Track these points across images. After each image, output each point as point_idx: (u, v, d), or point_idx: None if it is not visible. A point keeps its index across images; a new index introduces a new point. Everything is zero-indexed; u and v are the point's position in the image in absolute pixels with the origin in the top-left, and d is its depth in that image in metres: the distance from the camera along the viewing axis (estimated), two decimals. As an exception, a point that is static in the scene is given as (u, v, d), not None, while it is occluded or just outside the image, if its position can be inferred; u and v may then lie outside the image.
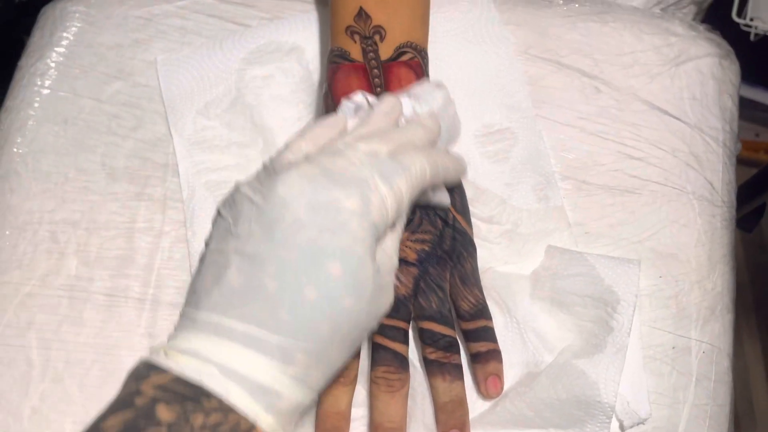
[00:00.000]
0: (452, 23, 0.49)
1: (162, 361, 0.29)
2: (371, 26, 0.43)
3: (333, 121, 0.36)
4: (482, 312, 0.40)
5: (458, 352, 0.40)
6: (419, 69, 0.44)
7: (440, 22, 0.49)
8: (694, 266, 0.44)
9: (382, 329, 0.39)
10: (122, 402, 0.28)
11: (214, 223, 0.33)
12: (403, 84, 0.43)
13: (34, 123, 0.48)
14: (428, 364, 0.40)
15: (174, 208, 0.46)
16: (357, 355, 0.40)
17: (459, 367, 0.39)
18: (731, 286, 0.45)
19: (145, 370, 0.29)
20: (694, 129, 0.47)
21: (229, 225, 0.31)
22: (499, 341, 0.41)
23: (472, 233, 0.42)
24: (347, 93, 0.43)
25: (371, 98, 0.39)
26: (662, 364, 0.41)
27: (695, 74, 0.49)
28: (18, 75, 0.51)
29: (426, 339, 0.40)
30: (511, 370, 0.41)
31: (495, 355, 0.40)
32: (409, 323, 0.40)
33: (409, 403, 0.40)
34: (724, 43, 0.51)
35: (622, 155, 0.46)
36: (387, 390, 0.39)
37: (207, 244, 0.32)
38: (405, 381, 0.39)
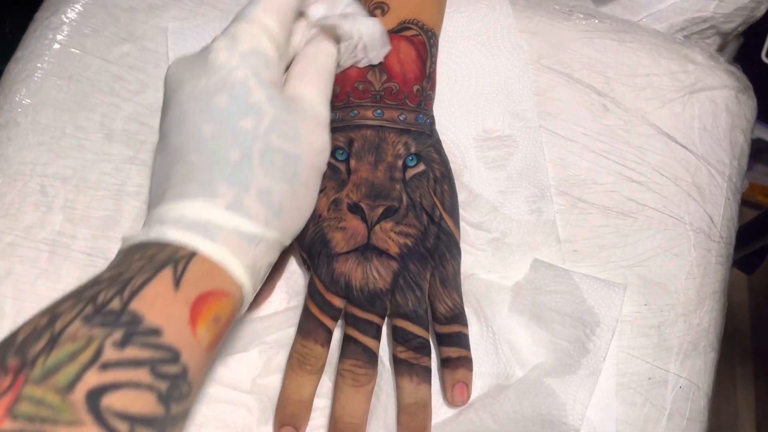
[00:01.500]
0: (468, 24, 0.48)
1: (141, 233, 0.32)
2: (373, 1, 0.43)
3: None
4: (458, 317, 0.40)
5: (429, 355, 0.39)
6: (422, 48, 0.43)
7: (456, 22, 0.48)
8: (681, 299, 0.43)
9: (355, 322, 0.39)
10: None
11: None
12: (402, 57, 0.42)
13: (41, 75, 0.48)
14: (397, 363, 0.39)
15: (165, 175, 0.45)
16: (326, 345, 0.39)
17: (428, 370, 0.39)
18: (718, 324, 0.44)
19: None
20: (700, 160, 0.46)
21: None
22: (472, 349, 0.40)
23: (459, 236, 0.42)
24: None
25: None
26: (636, 393, 0.40)
27: (709, 104, 0.48)
28: (32, 26, 0.51)
29: (398, 337, 0.39)
30: (480, 380, 0.40)
31: (465, 362, 0.39)
32: (383, 319, 0.40)
33: (372, 400, 0.39)
34: (743, 77, 0.49)
35: (622, 177, 0.45)
36: (352, 384, 0.38)
37: None
38: (372, 377, 0.39)
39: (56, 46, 0.49)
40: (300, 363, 0.38)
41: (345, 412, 0.38)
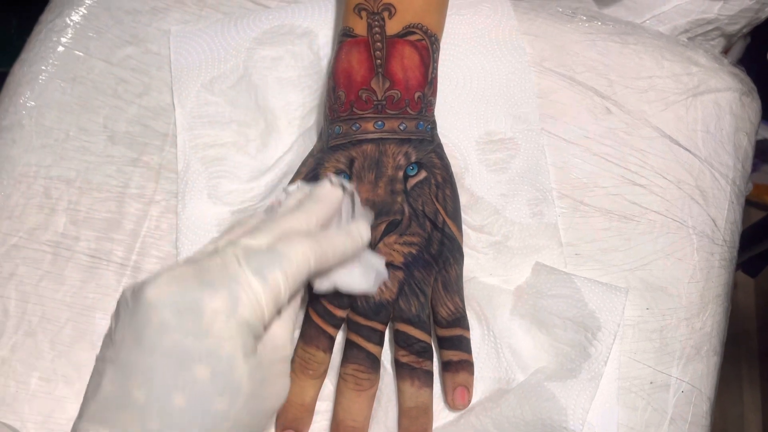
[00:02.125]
0: (470, 26, 0.48)
1: None
2: (381, 3, 0.43)
3: (254, 220, 0.36)
4: (460, 321, 0.40)
5: (431, 359, 0.39)
6: (426, 53, 0.43)
7: (458, 24, 0.48)
8: (684, 302, 0.43)
9: (358, 328, 0.39)
10: None
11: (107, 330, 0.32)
12: (406, 63, 0.42)
13: (45, 78, 0.49)
14: (399, 367, 0.39)
15: (167, 178, 0.45)
16: (329, 351, 0.39)
17: (429, 374, 0.39)
18: (722, 328, 0.44)
19: None
20: (703, 163, 0.46)
21: (111, 331, 0.30)
22: (473, 353, 0.40)
23: (462, 240, 0.42)
24: (346, 69, 0.42)
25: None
26: (637, 397, 0.40)
27: (712, 107, 0.47)
28: (37, 29, 0.51)
29: (400, 341, 0.39)
30: (482, 384, 0.40)
31: (466, 366, 0.39)
32: (386, 325, 0.40)
33: (373, 403, 0.39)
34: (747, 79, 0.49)
35: (625, 180, 0.45)
36: (354, 388, 0.38)
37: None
38: (374, 382, 0.39)
39: (60, 48, 0.50)
40: (302, 368, 0.38)
41: (347, 416, 0.38)
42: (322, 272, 0.35)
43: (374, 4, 0.43)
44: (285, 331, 0.33)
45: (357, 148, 0.41)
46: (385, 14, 0.42)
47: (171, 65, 0.48)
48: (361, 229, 0.37)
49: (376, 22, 0.42)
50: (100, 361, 0.30)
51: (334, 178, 0.37)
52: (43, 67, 0.49)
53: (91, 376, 0.30)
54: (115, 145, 0.47)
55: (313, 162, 0.42)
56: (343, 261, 0.36)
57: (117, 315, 0.30)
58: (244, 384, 0.30)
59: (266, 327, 0.31)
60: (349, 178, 0.41)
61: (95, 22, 0.50)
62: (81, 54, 0.49)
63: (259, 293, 0.30)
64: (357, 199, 0.38)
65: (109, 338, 0.30)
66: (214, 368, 0.29)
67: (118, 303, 0.31)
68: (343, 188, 0.37)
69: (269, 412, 0.32)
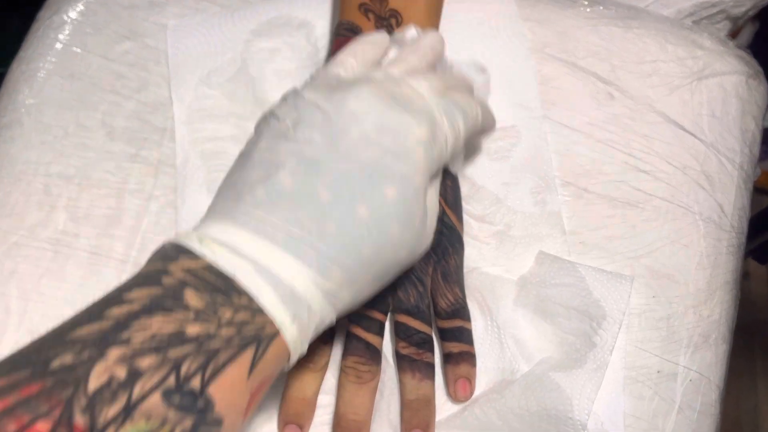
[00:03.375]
0: (470, 14, 0.47)
1: (195, 246, 0.27)
2: (387, 8, 0.42)
3: (378, 38, 0.36)
4: (460, 312, 0.39)
5: (432, 351, 0.39)
6: None
7: (457, 11, 0.47)
8: (691, 290, 0.42)
9: (358, 319, 0.38)
10: (148, 277, 0.26)
11: (264, 123, 0.31)
12: None
13: (43, 75, 0.48)
14: (399, 359, 0.39)
15: (166, 173, 0.45)
16: (329, 343, 0.39)
17: (431, 365, 0.38)
18: (730, 316, 0.43)
19: (174, 252, 0.27)
20: (709, 147, 0.45)
21: (287, 128, 0.30)
22: (476, 344, 0.40)
23: (462, 230, 0.41)
24: None
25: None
26: (644, 387, 0.40)
27: (718, 91, 0.46)
28: (34, 26, 0.51)
29: (400, 333, 0.39)
30: (485, 376, 0.40)
31: (468, 357, 0.39)
32: (386, 315, 0.39)
33: (375, 396, 0.39)
34: (754, 62, 0.48)
35: (629, 166, 0.44)
36: (355, 381, 0.38)
37: (252, 143, 0.31)
38: (375, 373, 0.38)
39: (58, 45, 0.49)
40: (303, 361, 0.38)
41: (348, 409, 0.38)
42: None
43: (380, 8, 0.42)
44: (437, 188, 0.35)
45: None
46: (393, 21, 0.42)
47: (168, 59, 0.48)
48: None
49: (386, 30, 0.42)
50: (268, 151, 0.29)
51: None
52: (41, 65, 0.49)
53: (251, 163, 0.29)
54: (114, 140, 0.46)
55: None
56: (485, 131, 0.40)
57: (295, 111, 0.30)
58: (417, 218, 0.30)
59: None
60: None
61: (93, 18, 0.50)
62: (79, 50, 0.49)
63: (449, 136, 0.32)
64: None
65: (282, 134, 0.30)
66: (402, 193, 0.29)
67: (293, 101, 0.31)
68: None
69: (415, 259, 0.32)
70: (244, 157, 0.31)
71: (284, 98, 0.32)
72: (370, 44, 0.35)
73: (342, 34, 0.43)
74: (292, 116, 0.30)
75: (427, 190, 0.31)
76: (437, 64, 0.38)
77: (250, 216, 0.28)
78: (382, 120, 0.29)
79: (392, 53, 0.37)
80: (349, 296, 0.30)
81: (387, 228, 0.29)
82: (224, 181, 0.31)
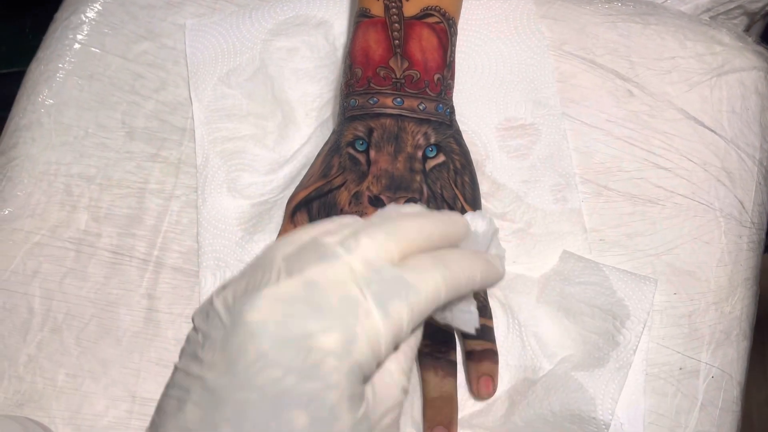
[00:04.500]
0: (487, 11, 0.47)
1: None
2: None
3: (349, 219, 0.29)
4: (482, 310, 0.39)
5: (454, 349, 0.39)
6: (444, 36, 0.42)
7: (475, 9, 0.47)
8: (712, 286, 0.42)
9: None
10: None
11: (189, 334, 0.27)
12: (424, 45, 0.41)
13: (62, 76, 0.49)
14: (422, 357, 0.39)
15: (187, 173, 0.45)
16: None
17: (453, 363, 0.39)
18: (751, 312, 0.43)
19: None
20: (729, 144, 0.45)
21: (199, 345, 0.26)
22: (498, 342, 0.40)
23: (482, 228, 0.41)
24: (364, 47, 0.42)
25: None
26: (666, 384, 0.40)
27: (737, 87, 0.46)
28: (52, 27, 0.52)
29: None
30: (507, 373, 0.40)
31: (490, 355, 0.39)
32: None
33: None
34: (773, 58, 0.48)
35: (649, 163, 0.44)
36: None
37: (179, 356, 0.27)
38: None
39: (77, 45, 0.50)
40: None
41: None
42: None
43: None
44: (399, 370, 0.28)
45: (375, 120, 0.41)
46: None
47: (187, 59, 0.48)
48: (500, 262, 0.30)
49: (393, 3, 0.41)
50: (183, 373, 0.26)
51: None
52: (60, 65, 0.49)
53: (170, 386, 0.26)
54: (133, 141, 0.47)
55: (333, 137, 0.42)
56: (475, 290, 0.29)
57: (206, 323, 0.26)
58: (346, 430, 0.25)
59: (379, 365, 0.26)
60: (368, 146, 0.40)
61: (110, 18, 0.50)
62: (97, 51, 0.49)
63: (380, 330, 0.25)
64: (497, 233, 0.31)
65: (195, 349, 0.26)
66: (313, 417, 0.24)
67: (205, 310, 0.27)
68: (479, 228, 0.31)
69: None
70: (168, 383, 0.27)
71: (206, 301, 0.27)
72: (334, 222, 0.28)
73: (355, 22, 0.43)
74: (203, 329, 0.26)
75: (357, 397, 0.25)
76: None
77: None
78: (281, 332, 0.24)
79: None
80: None
81: None
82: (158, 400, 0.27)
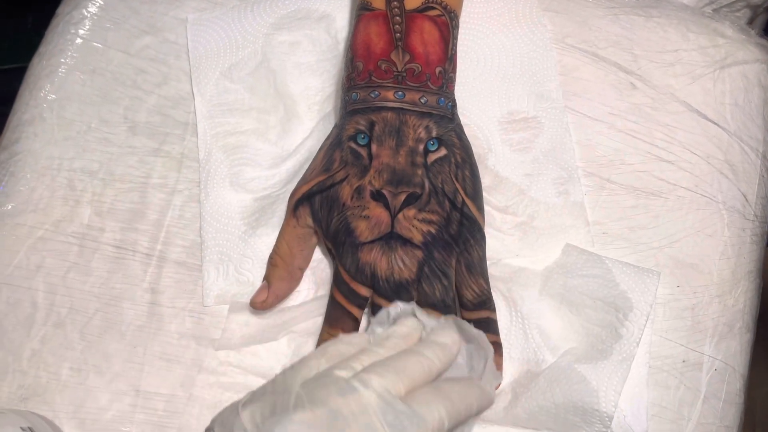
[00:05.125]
0: (489, 4, 0.47)
1: None
2: None
3: (355, 339, 0.33)
4: (486, 303, 0.39)
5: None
6: (445, 29, 0.42)
7: (477, 2, 0.47)
8: (715, 279, 0.42)
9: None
10: None
11: None
12: (426, 38, 0.41)
13: (65, 71, 0.49)
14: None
15: (189, 167, 0.45)
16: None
17: (458, 356, 0.39)
18: (754, 304, 0.43)
19: None
20: (732, 136, 0.45)
21: None
22: (501, 335, 0.40)
23: (483, 222, 0.41)
24: (365, 40, 0.41)
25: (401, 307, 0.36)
26: (669, 376, 0.40)
27: (740, 79, 0.46)
28: (54, 22, 0.51)
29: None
30: (510, 366, 0.40)
31: (495, 348, 0.39)
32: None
33: None
34: (776, 50, 0.48)
35: (652, 156, 0.44)
36: None
37: None
38: None
39: (78, 40, 0.49)
40: None
41: None
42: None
43: None
44: None
45: (377, 113, 0.41)
46: None
47: (189, 54, 0.48)
48: (491, 391, 0.34)
49: (395, 9, 0.41)
50: None
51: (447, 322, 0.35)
52: (62, 60, 0.49)
53: None
54: (136, 135, 0.47)
55: (335, 131, 0.42)
56: (469, 416, 0.32)
57: None
58: None
59: None
60: (370, 139, 0.40)
61: (112, 12, 0.50)
62: (99, 45, 0.49)
63: None
64: (491, 358, 0.35)
65: None
66: None
67: (229, 423, 0.29)
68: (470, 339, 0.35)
69: None
70: None
71: (227, 413, 0.30)
72: (344, 344, 0.33)
73: (356, 15, 0.43)
74: None
75: None
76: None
77: None
78: None
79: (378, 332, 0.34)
80: None
81: None
82: None
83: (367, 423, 0.28)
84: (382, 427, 0.28)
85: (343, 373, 0.30)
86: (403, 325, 0.35)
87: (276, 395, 0.29)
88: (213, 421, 0.30)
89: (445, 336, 0.34)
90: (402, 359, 0.31)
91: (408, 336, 0.34)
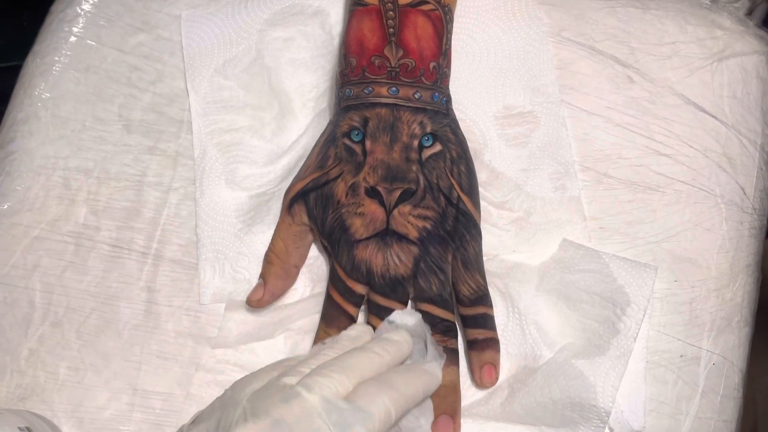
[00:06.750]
0: (485, -2, 0.47)
1: None
2: None
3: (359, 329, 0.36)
4: (483, 299, 0.39)
5: (456, 337, 0.39)
6: (439, 23, 0.42)
7: (473, -4, 0.47)
8: (713, 273, 0.42)
9: (378, 310, 0.38)
10: None
11: None
12: (419, 33, 0.41)
13: (59, 69, 0.48)
14: (423, 347, 0.39)
15: (185, 165, 0.45)
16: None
17: (455, 352, 0.39)
18: (752, 298, 0.43)
19: None
20: (730, 129, 0.45)
21: None
22: (498, 331, 0.40)
23: (479, 217, 0.41)
24: (358, 36, 0.41)
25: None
26: (667, 371, 0.40)
27: (738, 71, 0.46)
28: (48, 20, 0.51)
29: (425, 321, 0.39)
30: (507, 362, 0.40)
31: (492, 343, 0.39)
32: (406, 305, 0.39)
33: None
34: (775, 42, 0.47)
35: (649, 150, 0.44)
36: None
37: None
38: None
39: (72, 38, 0.49)
40: None
41: None
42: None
43: None
44: None
45: (371, 109, 0.40)
46: None
47: (183, 51, 0.48)
48: (437, 370, 0.35)
49: (387, 5, 0.41)
50: None
51: (399, 316, 0.37)
52: (56, 58, 0.49)
53: None
54: (131, 133, 0.46)
55: (329, 128, 0.42)
56: (418, 402, 0.34)
57: None
58: None
59: None
60: (364, 136, 0.40)
61: (106, 10, 0.50)
62: (93, 43, 0.49)
63: None
64: (430, 337, 0.37)
65: None
66: None
67: None
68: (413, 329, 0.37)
69: None
70: None
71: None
72: (348, 339, 0.35)
73: (349, 11, 0.43)
74: None
75: None
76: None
77: None
78: None
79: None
80: None
81: None
82: None
83: (312, 426, 0.28)
84: (327, 428, 0.28)
85: (290, 380, 0.30)
86: (352, 328, 0.36)
87: (224, 410, 0.30)
88: None
89: (395, 334, 0.35)
90: (349, 357, 0.32)
91: (357, 338, 0.36)
